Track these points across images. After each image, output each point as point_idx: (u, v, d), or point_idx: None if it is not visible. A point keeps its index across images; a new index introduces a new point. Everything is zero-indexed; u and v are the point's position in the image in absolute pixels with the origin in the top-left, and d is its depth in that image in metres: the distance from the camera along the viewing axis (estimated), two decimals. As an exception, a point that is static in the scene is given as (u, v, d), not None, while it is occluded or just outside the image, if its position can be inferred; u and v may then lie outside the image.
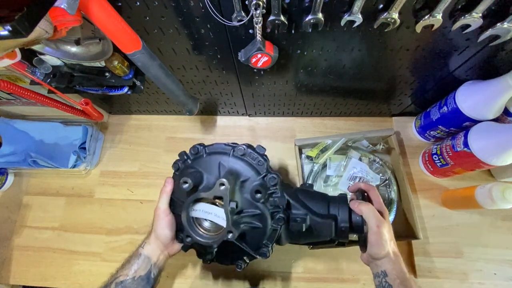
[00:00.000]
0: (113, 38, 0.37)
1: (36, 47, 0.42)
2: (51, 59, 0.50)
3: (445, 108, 0.61)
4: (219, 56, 0.52)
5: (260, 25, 0.39)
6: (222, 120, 0.81)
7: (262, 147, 0.47)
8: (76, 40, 0.44)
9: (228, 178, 0.40)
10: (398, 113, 0.76)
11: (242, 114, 0.80)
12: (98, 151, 0.78)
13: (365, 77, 0.58)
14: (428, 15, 0.38)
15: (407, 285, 0.41)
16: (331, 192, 0.67)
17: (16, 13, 0.24)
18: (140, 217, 0.71)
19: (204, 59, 0.53)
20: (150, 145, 0.79)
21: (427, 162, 0.69)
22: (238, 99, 0.70)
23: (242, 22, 0.40)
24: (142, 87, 0.57)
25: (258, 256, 0.44)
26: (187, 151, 0.49)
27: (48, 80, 0.53)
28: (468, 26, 0.40)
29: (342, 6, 0.38)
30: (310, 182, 0.68)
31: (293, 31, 0.44)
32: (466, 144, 0.55)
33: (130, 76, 0.54)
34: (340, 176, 0.67)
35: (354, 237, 0.53)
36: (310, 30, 0.42)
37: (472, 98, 0.56)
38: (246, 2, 0.37)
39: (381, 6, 0.38)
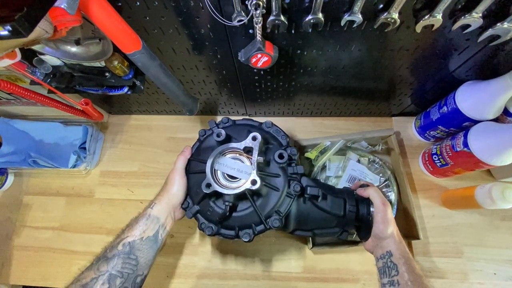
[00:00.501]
0: (113, 38, 0.37)
1: (36, 47, 0.42)
2: (51, 59, 0.50)
3: (445, 108, 0.61)
4: (219, 56, 0.52)
5: (260, 25, 0.39)
6: (222, 120, 0.81)
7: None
8: (76, 40, 0.44)
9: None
10: (398, 113, 0.76)
11: (242, 114, 0.80)
12: (98, 151, 0.78)
13: (365, 77, 0.58)
14: (428, 15, 0.38)
15: (411, 264, 0.42)
16: (331, 192, 0.68)
17: (16, 13, 0.24)
18: (140, 217, 0.71)
19: (204, 59, 0.53)
20: (150, 145, 0.79)
21: (427, 162, 0.69)
22: (238, 99, 0.70)
23: (242, 22, 0.40)
24: (142, 87, 0.57)
25: (267, 226, 0.44)
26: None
27: (48, 80, 0.53)
28: (468, 26, 0.40)
29: (342, 6, 0.38)
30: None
31: (293, 31, 0.44)
32: (466, 144, 0.55)
33: (130, 76, 0.54)
34: (339, 177, 0.67)
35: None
36: (310, 30, 0.42)
37: (472, 98, 0.56)
38: (246, 2, 0.37)
39: (381, 6, 0.38)
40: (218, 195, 0.44)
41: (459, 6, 0.38)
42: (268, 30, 0.43)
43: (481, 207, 0.56)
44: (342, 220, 0.47)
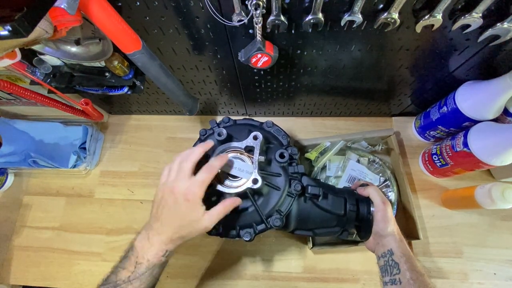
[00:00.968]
0: (113, 38, 0.37)
1: (36, 47, 0.42)
2: (51, 59, 0.50)
3: (444, 108, 0.61)
4: (219, 56, 0.52)
5: (260, 25, 0.39)
6: (222, 120, 0.81)
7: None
8: (76, 40, 0.44)
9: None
10: (398, 113, 0.76)
11: (242, 114, 0.80)
12: (98, 151, 0.78)
13: (365, 77, 0.58)
14: (428, 15, 0.38)
15: (413, 262, 0.42)
16: (331, 192, 0.68)
17: (16, 13, 0.24)
18: (140, 217, 0.71)
19: (204, 59, 0.53)
20: (150, 145, 0.79)
21: (427, 162, 0.69)
22: (238, 99, 0.70)
23: (242, 22, 0.40)
24: (142, 87, 0.57)
25: (268, 225, 0.44)
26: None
27: (48, 80, 0.53)
28: (468, 26, 0.40)
29: (342, 6, 0.38)
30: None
31: (293, 31, 0.44)
32: (465, 144, 0.55)
33: (130, 76, 0.54)
34: (339, 177, 0.67)
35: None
36: (310, 30, 0.42)
37: (471, 98, 0.56)
38: (246, 2, 0.37)
39: (381, 6, 0.38)
40: (219, 194, 0.43)
41: (459, 6, 0.38)
42: (268, 30, 0.43)
43: (481, 207, 0.56)
44: (342, 220, 0.47)
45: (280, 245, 0.67)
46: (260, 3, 0.36)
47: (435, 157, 0.65)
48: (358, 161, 0.69)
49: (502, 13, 0.38)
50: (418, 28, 0.41)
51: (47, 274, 0.67)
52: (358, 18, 0.39)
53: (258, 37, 0.42)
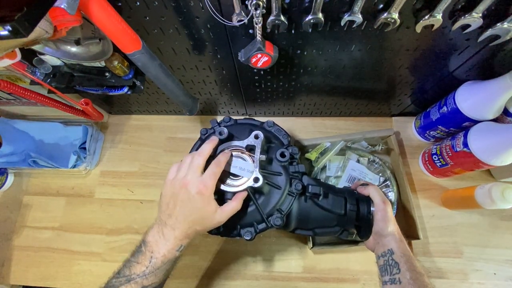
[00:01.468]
0: (113, 38, 0.37)
1: (36, 47, 0.42)
2: (51, 59, 0.50)
3: (444, 108, 0.61)
4: (219, 56, 0.52)
5: (260, 25, 0.39)
6: (222, 120, 0.81)
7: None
8: (76, 40, 0.44)
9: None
10: (398, 113, 0.76)
11: (242, 114, 0.80)
12: (98, 151, 0.78)
13: (365, 77, 0.58)
14: (428, 15, 0.38)
15: (413, 262, 0.42)
16: (331, 192, 0.68)
17: (16, 13, 0.24)
18: (140, 217, 0.71)
19: (204, 59, 0.53)
20: (150, 145, 0.79)
21: (427, 162, 0.69)
22: (238, 99, 0.70)
23: (242, 22, 0.40)
24: (142, 87, 0.57)
25: (269, 224, 0.44)
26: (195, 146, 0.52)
27: (48, 80, 0.53)
28: (468, 26, 0.40)
29: (342, 6, 0.38)
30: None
31: (293, 31, 0.44)
32: (465, 144, 0.55)
33: (130, 76, 0.54)
34: (339, 177, 0.67)
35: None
36: (310, 30, 0.42)
37: (471, 98, 0.56)
38: (246, 2, 0.37)
39: (381, 6, 0.38)
40: (220, 193, 0.44)
41: (459, 6, 0.38)
42: (268, 30, 0.43)
43: (481, 207, 0.56)
44: (342, 219, 0.47)
45: (280, 245, 0.67)
46: (260, 3, 0.36)
47: (435, 157, 0.65)
48: (358, 161, 0.69)
49: (502, 13, 0.38)
50: (418, 28, 0.41)
51: (47, 274, 0.67)
52: (358, 18, 0.39)
53: (258, 37, 0.42)
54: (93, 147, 0.76)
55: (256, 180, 0.41)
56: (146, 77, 0.57)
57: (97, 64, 0.51)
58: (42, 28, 0.31)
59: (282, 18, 0.39)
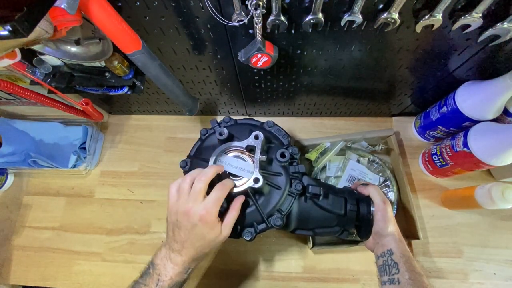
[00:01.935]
0: (113, 38, 0.37)
1: (36, 47, 0.42)
2: (51, 59, 0.50)
3: (444, 108, 0.61)
4: (219, 56, 0.52)
5: (260, 25, 0.39)
6: (222, 120, 0.81)
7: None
8: (76, 40, 0.44)
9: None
10: (398, 113, 0.76)
11: (242, 114, 0.80)
12: (98, 151, 0.78)
13: (365, 77, 0.58)
14: (428, 15, 0.38)
15: (412, 263, 0.42)
16: (331, 192, 0.68)
17: (16, 13, 0.24)
18: (140, 217, 0.71)
19: (204, 59, 0.53)
20: (150, 145, 0.79)
21: (427, 162, 0.69)
22: (238, 99, 0.70)
23: (242, 22, 0.40)
24: (142, 87, 0.57)
25: (269, 224, 0.44)
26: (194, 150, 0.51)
27: (48, 80, 0.53)
28: (468, 26, 0.40)
29: (342, 6, 0.38)
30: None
31: (293, 31, 0.44)
32: (465, 144, 0.55)
33: (130, 76, 0.54)
34: (339, 177, 0.67)
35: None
36: (310, 30, 0.42)
37: (471, 98, 0.56)
38: (246, 2, 0.37)
39: (381, 6, 0.38)
40: None
41: (459, 6, 0.38)
42: (268, 30, 0.43)
43: (481, 207, 0.56)
44: (342, 219, 0.47)
45: (280, 245, 0.67)
46: (260, 3, 0.36)
47: (435, 157, 0.65)
48: (358, 161, 0.69)
49: (502, 13, 0.38)
50: (418, 28, 0.41)
51: (47, 274, 0.67)
52: (358, 18, 0.39)
53: (258, 37, 0.42)
54: (93, 147, 0.76)
55: (256, 180, 0.41)
56: (146, 77, 0.57)
57: (97, 64, 0.51)
58: (42, 28, 0.31)
59: (282, 18, 0.39)
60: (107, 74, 0.54)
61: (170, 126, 0.81)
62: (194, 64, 0.55)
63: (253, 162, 0.43)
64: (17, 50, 0.41)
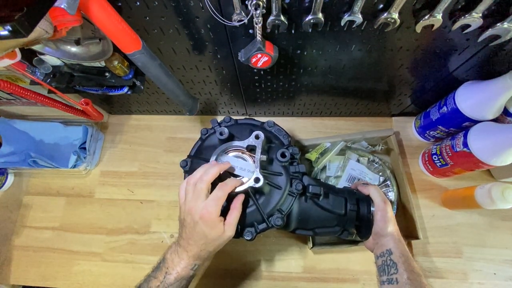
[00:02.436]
0: (113, 38, 0.37)
1: (36, 47, 0.42)
2: (51, 59, 0.50)
3: (444, 108, 0.61)
4: (219, 56, 0.52)
5: (260, 25, 0.39)
6: (222, 120, 0.81)
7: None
8: (76, 40, 0.44)
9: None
10: (398, 113, 0.76)
11: (242, 114, 0.80)
12: (98, 151, 0.78)
13: (365, 77, 0.58)
14: (428, 15, 0.38)
15: (411, 263, 0.42)
16: (331, 192, 0.68)
17: (16, 13, 0.24)
18: (140, 217, 0.71)
19: (204, 59, 0.53)
20: (150, 145, 0.79)
21: (427, 162, 0.69)
22: (238, 99, 0.70)
23: (242, 22, 0.40)
24: (142, 87, 0.57)
25: (270, 224, 0.44)
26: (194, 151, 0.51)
27: (48, 80, 0.53)
28: (468, 26, 0.40)
29: (342, 6, 0.38)
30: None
31: (293, 31, 0.44)
32: (465, 144, 0.55)
33: (130, 76, 0.54)
34: (339, 177, 0.67)
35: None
36: (310, 30, 0.42)
37: (471, 98, 0.56)
38: (246, 2, 0.37)
39: (381, 6, 0.38)
40: None
41: (459, 6, 0.38)
42: (268, 30, 0.43)
43: (481, 207, 0.56)
44: (343, 219, 0.47)
45: (280, 245, 0.67)
46: (260, 3, 0.36)
47: (435, 157, 0.65)
48: (358, 161, 0.69)
49: (502, 13, 0.38)
50: (418, 28, 0.41)
51: (47, 274, 0.67)
52: (358, 18, 0.39)
53: (258, 37, 0.42)
54: (93, 147, 0.76)
55: (257, 180, 0.41)
56: (146, 77, 0.57)
57: (97, 64, 0.51)
58: (42, 28, 0.31)
59: (282, 18, 0.39)
60: (107, 74, 0.54)
61: (170, 126, 0.81)
62: (194, 64, 0.55)
63: (254, 162, 0.43)
64: (17, 50, 0.41)
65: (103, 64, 0.50)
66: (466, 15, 0.38)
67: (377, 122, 0.77)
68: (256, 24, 0.39)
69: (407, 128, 0.76)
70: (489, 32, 0.41)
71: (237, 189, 0.42)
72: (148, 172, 0.76)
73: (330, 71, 0.56)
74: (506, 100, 0.53)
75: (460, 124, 0.60)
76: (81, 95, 0.65)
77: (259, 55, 0.44)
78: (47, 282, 0.66)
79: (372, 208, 0.47)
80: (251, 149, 0.45)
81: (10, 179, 0.75)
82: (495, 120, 0.56)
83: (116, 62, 0.49)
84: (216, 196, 0.39)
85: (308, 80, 0.60)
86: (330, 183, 0.68)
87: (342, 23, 0.40)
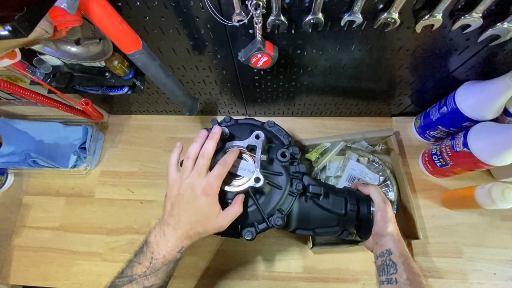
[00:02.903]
0: (113, 38, 0.37)
1: (36, 47, 0.42)
2: (51, 59, 0.50)
3: (444, 108, 0.61)
4: (219, 56, 0.52)
5: (260, 25, 0.39)
6: (222, 120, 0.81)
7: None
8: (76, 40, 0.44)
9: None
10: (398, 113, 0.76)
11: (242, 114, 0.80)
12: (98, 151, 0.78)
13: (365, 77, 0.58)
14: (428, 15, 0.38)
15: (410, 263, 0.42)
16: (331, 192, 0.68)
17: (16, 13, 0.24)
18: (140, 217, 0.71)
19: (204, 59, 0.53)
20: (150, 145, 0.79)
21: (427, 162, 0.69)
22: (238, 99, 0.70)
23: (242, 22, 0.40)
24: (142, 87, 0.57)
25: (270, 224, 0.44)
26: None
27: (48, 80, 0.53)
28: (468, 26, 0.40)
29: (342, 6, 0.38)
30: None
31: (293, 31, 0.44)
32: (465, 144, 0.55)
33: (130, 76, 0.54)
34: (339, 177, 0.67)
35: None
36: (310, 30, 0.42)
37: (471, 98, 0.56)
38: (246, 2, 0.37)
39: (381, 6, 0.38)
40: (221, 193, 0.44)
41: (459, 6, 0.38)
42: (268, 30, 0.43)
43: (481, 207, 0.56)
44: (343, 219, 0.47)
45: (280, 245, 0.67)
46: (260, 3, 0.36)
47: (435, 157, 0.65)
48: (358, 160, 0.69)
49: (502, 13, 0.38)
50: (418, 28, 0.41)
51: (47, 274, 0.67)
52: (358, 18, 0.39)
53: (258, 37, 0.42)
54: (93, 147, 0.76)
55: (257, 180, 0.41)
56: (146, 77, 0.57)
57: (97, 64, 0.51)
58: (42, 28, 0.31)
59: (282, 18, 0.39)
60: (107, 74, 0.54)
61: (170, 126, 0.81)
62: (194, 64, 0.55)
63: (254, 161, 0.43)
64: (17, 50, 0.41)
65: (103, 64, 0.50)
66: (466, 15, 0.38)
67: (377, 122, 0.77)
68: (256, 24, 0.39)
69: (407, 128, 0.76)
70: (489, 32, 0.41)
71: (238, 189, 0.42)
72: (148, 172, 0.76)
73: (330, 71, 0.56)
74: (506, 100, 0.53)
75: (460, 124, 0.60)
76: (81, 95, 0.65)
77: (259, 55, 0.44)
78: (47, 282, 0.66)
79: (372, 208, 0.47)
80: (251, 149, 0.45)
81: (10, 179, 0.75)
82: (495, 120, 0.56)
83: (116, 62, 0.49)
84: (218, 172, 0.39)
85: (308, 80, 0.60)
86: (330, 183, 0.68)
87: (342, 23, 0.40)
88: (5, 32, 0.24)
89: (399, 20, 0.39)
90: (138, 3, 0.40)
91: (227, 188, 0.42)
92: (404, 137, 0.75)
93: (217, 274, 0.65)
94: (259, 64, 0.46)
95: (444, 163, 0.62)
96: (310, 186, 0.45)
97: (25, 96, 0.53)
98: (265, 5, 0.36)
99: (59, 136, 0.75)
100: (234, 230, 0.46)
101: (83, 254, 0.68)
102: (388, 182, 0.67)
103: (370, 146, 0.69)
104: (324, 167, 0.69)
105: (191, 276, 0.65)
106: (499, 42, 0.42)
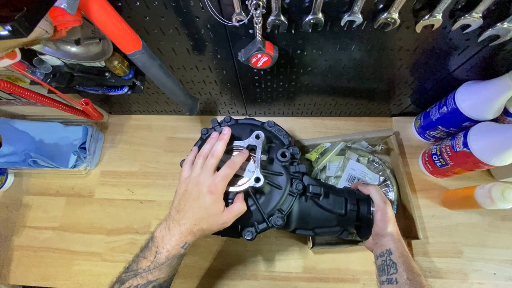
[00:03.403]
0: (113, 38, 0.37)
1: (36, 47, 0.42)
2: (51, 59, 0.50)
3: (444, 108, 0.61)
4: (219, 56, 0.52)
5: (260, 25, 0.39)
6: (222, 120, 0.81)
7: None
8: (76, 40, 0.44)
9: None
10: (398, 113, 0.76)
11: (242, 114, 0.80)
12: (98, 151, 0.78)
13: (365, 77, 0.58)
14: (428, 15, 0.38)
15: (410, 263, 0.43)
16: (331, 192, 0.68)
17: (16, 13, 0.24)
18: (140, 217, 0.71)
19: (204, 59, 0.53)
20: (150, 145, 0.79)
21: (427, 162, 0.69)
22: (238, 99, 0.70)
23: (242, 22, 0.40)
24: (142, 87, 0.57)
25: (270, 224, 0.44)
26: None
27: (48, 80, 0.53)
28: (468, 26, 0.40)
29: (342, 6, 0.39)
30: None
31: (293, 31, 0.44)
32: (465, 144, 0.55)
33: (130, 76, 0.54)
34: (339, 177, 0.67)
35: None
36: (310, 30, 0.42)
37: (471, 98, 0.56)
38: (246, 2, 0.37)
39: (381, 6, 0.39)
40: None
41: (459, 6, 0.38)
42: (268, 30, 0.43)
43: (481, 207, 0.56)
44: (343, 219, 0.47)
45: (280, 245, 0.67)
46: (260, 3, 0.36)
47: (435, 157, 0.65)
48: (358, 160, 0.69)
49: (502, 13, 0.38)
50: (418, 28, 0.41)
51: (47, 274, 0.67)
52: (358, 18, 0.39)
53: (258, 37, 0.42)
54: (93, 147, 0.76)
55: (257, 180, 0.41)
56: (146, 77, 0.57)
57: (97, 64, 0.51)
58: (42, 28, 0.31)
59: (282, 18, 0.39)
60: (107, 74, 0.54)
61: (170, 126, 0.81)
62: (194, 64, 0.55)
63: (254, 161, 0.43)
64: (17, 50, 0.41)
65: (103, 64, 0.50)
66: (466, 15, 0.38)
67: (377, 122, 0.77)
68: (256, 24, 0.39)
69: (407, 128, 0.76)
70: (489, 32, 0.41)
71: (238, 189, 0.42)
72: (148, 172, 0.76)
73: (330, 71, 0.56)
74: (506, 100, 0.53)
75: (460, 124, 0.60)
76: (81, 95, 0.65)
77: (259, 55, 0.44)
78: (47, 282, 0.66)
79: (372, 208, 0.47)
80: (251, 148, 0.45)
81: (10, 179, 0.75)
82: (495, 120, 0.56)
83: (116, 62, 0.49)
84: (225, 173, 0.40)
85: (308, 80, 0.60)
86: (330, 183, 0.68)
87: (342, 23, 0.40)
88: (5, 32, 0.24)
89: (399, 20, 0.39)
90: (138, 3, 0.40)
91: (227, 188, 0.42)
92: (404, 137, 0.75)
93: (217, 274, 0.65)
94: (259, 64, 0.46)
95: (444, 163, 0.62)
96: (310, 186, 0.46)
97: (25, 96, 0.53)
98: (265, 5, 0.36)
99: (59, 136, 0.75)
100: (234, 230, 0.46)
101: (83, 254, 0.68)
102: (388, 182, 0.67)
103: (370, 146, 0.69)
104: (324, 167, 0.69)
105: (192, 276, 0.65)
106: (499, 42, 0.42)
